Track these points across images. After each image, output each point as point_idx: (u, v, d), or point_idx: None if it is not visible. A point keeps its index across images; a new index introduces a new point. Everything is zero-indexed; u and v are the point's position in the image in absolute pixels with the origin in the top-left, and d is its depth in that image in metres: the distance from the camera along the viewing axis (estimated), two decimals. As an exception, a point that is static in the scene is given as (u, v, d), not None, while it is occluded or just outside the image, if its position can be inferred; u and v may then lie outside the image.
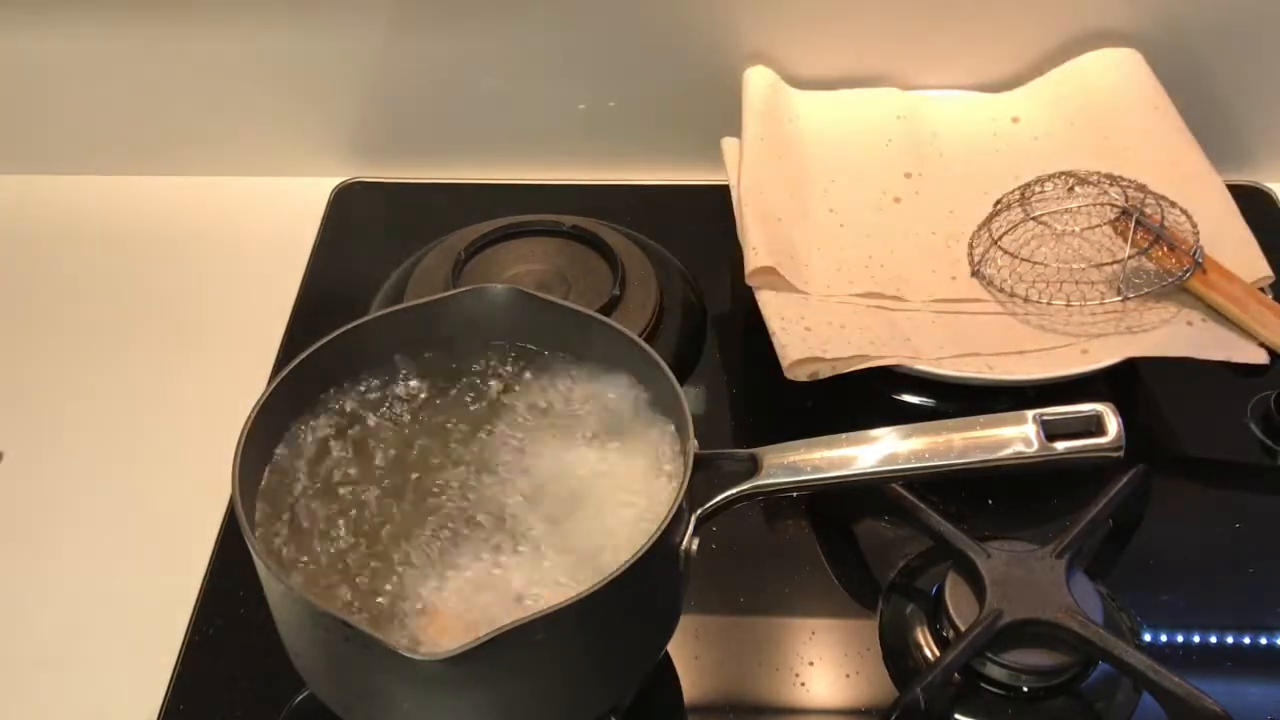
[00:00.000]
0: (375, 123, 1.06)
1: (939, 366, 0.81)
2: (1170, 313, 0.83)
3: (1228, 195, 0.90)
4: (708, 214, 0.96)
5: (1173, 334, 0.82)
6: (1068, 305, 0.84)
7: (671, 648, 0.69)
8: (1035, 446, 0.63)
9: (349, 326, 0.66)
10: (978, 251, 0.89)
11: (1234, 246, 0.86)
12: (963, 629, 0.68)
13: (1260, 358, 0.80)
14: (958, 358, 0.82)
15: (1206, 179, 0.91)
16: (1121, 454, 0.63)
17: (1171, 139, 0.94)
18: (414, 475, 0.63)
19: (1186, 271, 0.83)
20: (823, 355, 0.79)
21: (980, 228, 0.90)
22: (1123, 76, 0.98)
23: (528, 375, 0.68)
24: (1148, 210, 0.85)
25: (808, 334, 0.81)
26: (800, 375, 0.79)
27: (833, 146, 0.97)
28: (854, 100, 1.00)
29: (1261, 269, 0.85)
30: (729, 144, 0.96)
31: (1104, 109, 0.98)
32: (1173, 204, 0.87)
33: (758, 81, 0.98)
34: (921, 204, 0.94)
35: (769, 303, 0.83)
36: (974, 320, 0.85)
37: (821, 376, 0.79)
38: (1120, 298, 0.84)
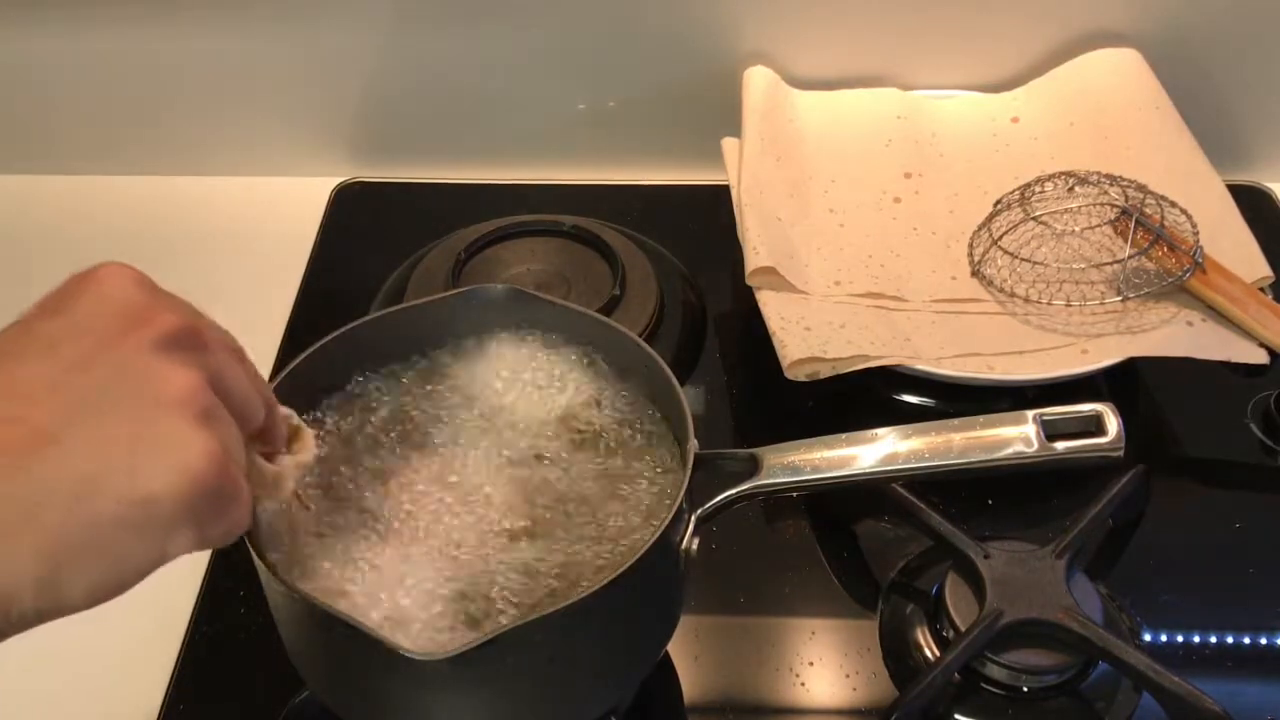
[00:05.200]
0: (375, 123, 1.06)
1: (939, 366, 0.81)
2: (1170, 313, 0.83)
3: (1228, 195, 0.90)
4: (708, 214, 0.96)
5: (1173, 334, 0.82)
6: (1068, 305, 0.84)
7: (671, 648, 0.68)
8: (1035, 446, 0.63)
9: (349, 327, 0.66)
10: (978, 251, 0.89)
11: (1234, 246, 0.86)
12: (963, 629, 0.68)
13: (1260, 357, 0.80)
14: (957, 358, 0.82)
15: (1206, 179, 0.91)
16: (1121, 454, 0.63)
17: (1171, 139, 0.94)
18: (413, 474, 0.63)
19: (1186, 271, 0.83)
20: (823, 355, 0.79)
21: (980, 228, 0.90)
22: (1123, 77, 0.98)
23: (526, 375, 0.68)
24: (1148, 210, 0.85)
25: (808, 334, 0.81)
26: (800, 375, 0.79)
27: (833, 146, 0.97)
28: (854, 100, 1.00)
29: (1261, 269, 0.84)
30: (729, 144, 0.96)
31: (1104, 109, 0.98)
32: (1173, 204, 0.87)
33: (758, 81, 0.98)
34: (921, 204, 0.94)
35: (769, 302, 0.83)
36: (974, 320, 0.85)
37: (822, 376, 0.79)
38: (1120, 298, 0.84)
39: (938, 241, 0.91)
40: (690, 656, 0.71)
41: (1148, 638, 0.72)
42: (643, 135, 1.05)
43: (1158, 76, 0.98)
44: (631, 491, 0.62)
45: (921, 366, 0.80)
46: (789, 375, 0.79)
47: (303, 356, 0.65)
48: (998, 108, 1.01)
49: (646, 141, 1.05)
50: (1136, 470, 0.75)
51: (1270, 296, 0.84)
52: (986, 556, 0.70)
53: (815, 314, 0.83)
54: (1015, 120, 1.00)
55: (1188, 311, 0.83)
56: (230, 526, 0.46)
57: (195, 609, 0.74)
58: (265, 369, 0.85)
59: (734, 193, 0.91)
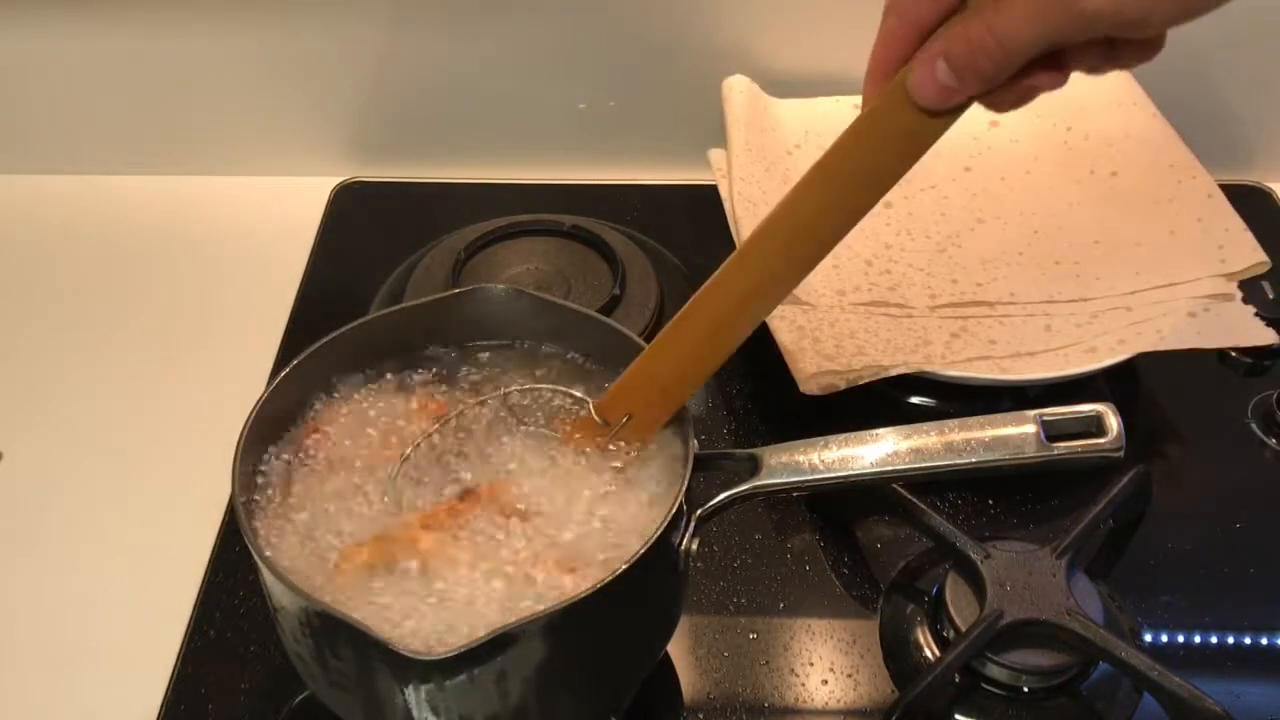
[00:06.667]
0: (375, 123, 1.06)
1: (951, 369, 0.80)
2: (1173, 306, 0.83)
3: (1214, 185, 0.90)
4: (708, 214, 0.96)
5: (1177, 326, 0.81)
6: (1070, 303, 0.84)
7: (671, 648, 0.69)
8: (1035, 446, 0.63)
9: (349, 327, 0.66)
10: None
11: (1227, 235, 0.85)
12: (963, 629, 0.68)
13: (1269, 338, 0.79)
14: (968, 361, 0.81)
15: (1192, 169, 0.91)
16: (1121, 454, 0.63)
17: (1152, 131, 0.94)
18: (412, 475, 0.63)
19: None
20: (834, 367, 0.78)
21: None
22: (1098, 77, 0.98)
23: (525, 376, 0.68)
24: None
25: (819, 346, 0.80)
26: (814, 389, 0.78)
27: (817, 154, 0.96)
28: (832, 107, 0.99)
29: (1257, 255, 0.84)
30: (716, 154, 0.95)
31: (1083, 108, 0.97)
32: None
33: (737, 91, 0.97)
34: (912, 208, 0.94)
35: (776, 316, 0.82)
36: (979, 323, 0.85)
37: (839, 389, 0.78)
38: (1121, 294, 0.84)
39: (932, 245, 0.91)
40: (690, 656, 0.71)
41: (1148, 638, 0.72)
42: (643, 135, 1.05)
43: (1158, 76, 0.97)
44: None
45: (933, 370, 0.80)
46: (803, 390, 0.78)
47: (303, 355, 0.65)
48: (975, 111, 1.00)
49: (647, 141, 1.05)
50: (1136, 470, 0.75)
51: (1268, 284, 0.83)
52: (987, 557, 0.70)
53: (823, 325, 0.83)
54: (995, 124, 0.99)
55: (1190, 303, 0.83)
56: None
57: (195, 609, 0.74)
58: (265, 369, 0.86)
59: (726, 205, 0.91)
